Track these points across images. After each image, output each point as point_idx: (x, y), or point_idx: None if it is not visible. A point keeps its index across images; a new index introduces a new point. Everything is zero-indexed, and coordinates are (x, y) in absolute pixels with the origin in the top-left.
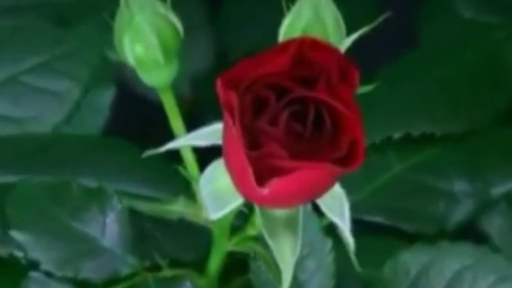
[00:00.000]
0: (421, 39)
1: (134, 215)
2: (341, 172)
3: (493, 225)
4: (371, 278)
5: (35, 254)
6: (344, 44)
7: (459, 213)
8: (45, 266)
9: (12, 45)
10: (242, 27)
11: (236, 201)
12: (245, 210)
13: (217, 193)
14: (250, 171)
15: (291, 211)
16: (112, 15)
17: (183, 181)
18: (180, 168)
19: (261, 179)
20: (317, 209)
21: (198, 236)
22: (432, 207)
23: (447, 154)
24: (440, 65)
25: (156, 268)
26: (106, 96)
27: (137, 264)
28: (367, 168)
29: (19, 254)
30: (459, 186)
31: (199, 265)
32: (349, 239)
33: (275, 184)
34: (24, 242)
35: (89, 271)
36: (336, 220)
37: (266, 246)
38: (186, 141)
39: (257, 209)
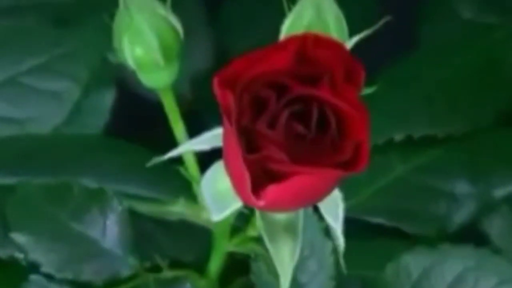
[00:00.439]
0: (421, 40)
1: (134, 216)
2: (344, 176)
3: (494, 226)
4: (372, 279)
5: (35, 256)
6: (347, 45)
7: (461, 215)
8: (45, 268)
9: (12, 45)
10: (242, 27)
11: (238, 203)
12: (245, 211)
13: (219, 194)
14: (247, 178)
15: (291, 215)
16: (112, 16)
17: (184, 182)
18: (181, 169)
19: (260, 183)
20: (318, 211)
21: (198, 237)
22: (433, 209)
23: (449, 156)
24: (440, 66)
25: (157, 269)
26: (107, 99)
27: (138, 265)
28: (369, 170)
29: (19, 256)
30: (461, 187)
31: (200, 266)
32: (340, 240)
33: (272, 192)
34: (24, 244)
35: (89, 273)
36: (329, 219)
37: (266, 247)
38: (189, 147)
39: (257, 212)
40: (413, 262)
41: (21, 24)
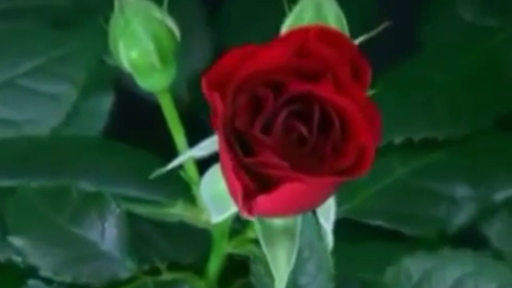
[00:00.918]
0: (422, 42)
1: (133, 219)
2: (344, 181)
3: (493, 230)
4: (371, 282)
5: (34, 259)
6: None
7: (461, 218)
8: (43, 271)
9: (9, 48)
10: (242, 28)
11: None
12: None
13: (218, 196)
14: (239, 189)
15: (289, 219)
16: (107, 20)
17: (182, 184)
18: (180, 171)
19: (252, 192)
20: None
21: (197, 239)
22: (433, 211)
23: (449, 159)
24: (440, 69)
25: (156, 271)
26: (105, 101)
27: (137, 268)
28: (369, 172)
29: (17, 259)
30: (461, 190)
31: (199, 268)
32: (330, 239)
33: (262, 202)
34: (22, 247)
35: (88, 275)
36: (321, 220)
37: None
38: (189, 155)
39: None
40: (414, 265)
41: (19, 27)
